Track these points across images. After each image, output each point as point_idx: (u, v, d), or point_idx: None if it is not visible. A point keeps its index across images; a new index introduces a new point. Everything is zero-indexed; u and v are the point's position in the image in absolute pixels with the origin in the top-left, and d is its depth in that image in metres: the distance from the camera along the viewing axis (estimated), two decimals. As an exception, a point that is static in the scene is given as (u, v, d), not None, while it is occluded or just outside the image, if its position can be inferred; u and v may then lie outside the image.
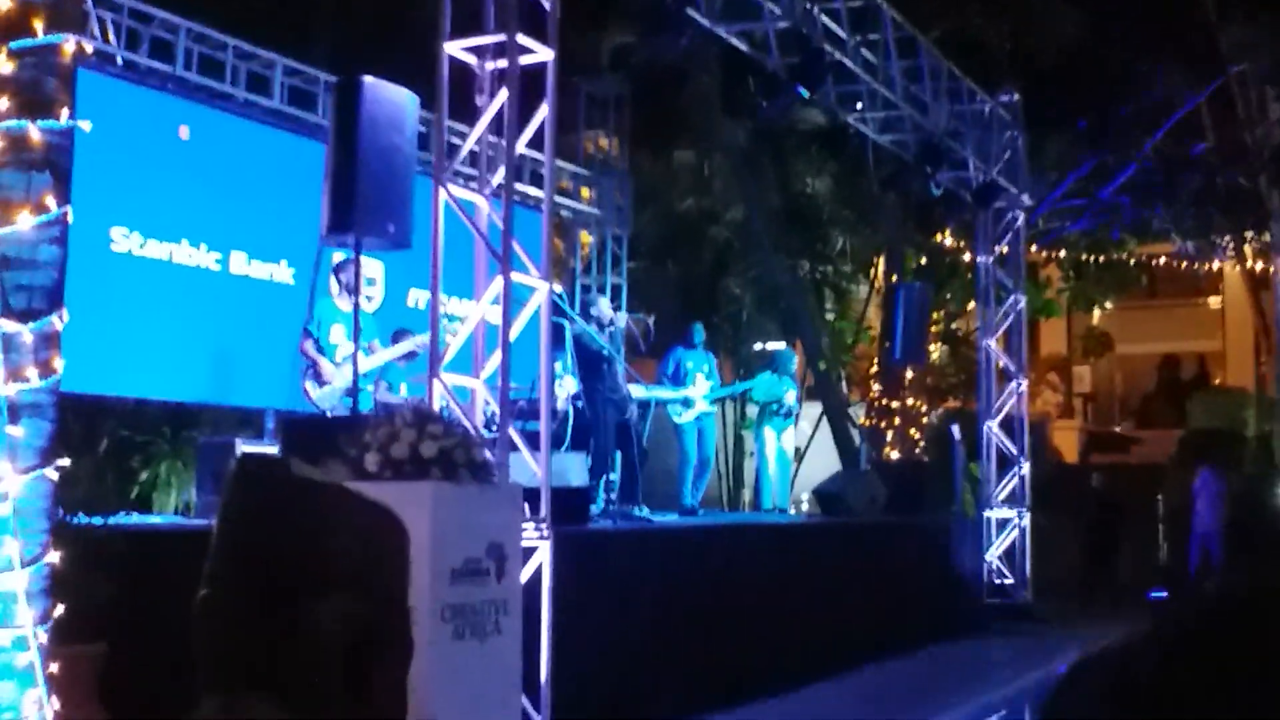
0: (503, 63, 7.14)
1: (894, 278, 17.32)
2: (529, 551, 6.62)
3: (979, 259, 15.17)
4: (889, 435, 16.46)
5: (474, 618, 5.70)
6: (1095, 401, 30.84)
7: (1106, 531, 16.88)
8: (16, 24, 4.97)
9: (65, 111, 5.07)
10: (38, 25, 4.99)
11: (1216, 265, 23.95)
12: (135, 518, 8.88)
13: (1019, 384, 14.86)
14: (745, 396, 18.25)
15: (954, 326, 20.77)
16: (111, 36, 9.49)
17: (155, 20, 9.80)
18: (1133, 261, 23.00)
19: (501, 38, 7.12)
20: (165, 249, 10.19)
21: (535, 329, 7.29)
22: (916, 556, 12.71)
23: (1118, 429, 29.08)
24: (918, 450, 16.53)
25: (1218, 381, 28.28)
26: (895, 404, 16.66)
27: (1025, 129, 15.11)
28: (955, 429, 15.05)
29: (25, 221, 4.95)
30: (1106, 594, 16.00)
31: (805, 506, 16.17)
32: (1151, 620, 0.95)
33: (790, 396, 13.50)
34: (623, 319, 11.62)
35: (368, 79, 7.48)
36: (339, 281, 9.52)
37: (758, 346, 19.32)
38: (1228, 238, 21.26)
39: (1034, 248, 19.80)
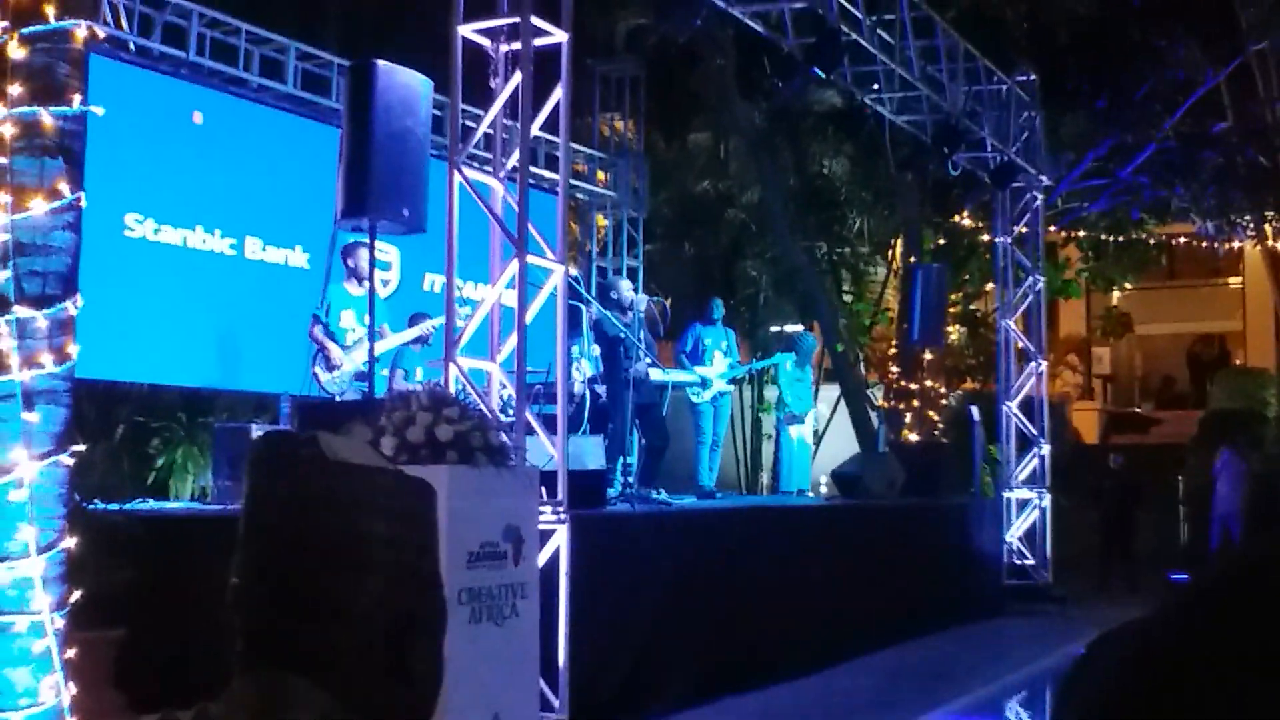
0: (517, 45, 7.11)
1: (912, 259, 17.22)
2: (546, 535, 6.61)
3: (997, 240, 15.09)
4: (907, 417, 16.38)
5: (491, 601, 5.69)
6: (1115, 382, 30.71)
7: (1126, 512, 16.79)
8: (29, 10, 4.95)
9: (78, 97, 5.06)
10: (49, 11, 4.97)
11: (1237, 245, 23.76)
12: (151, 503, 8.89)
13: (1038, 365, 14.79)
14: (764, 378, 18.25)
15: (972, 307, 20.68)
16: (124, 22, 9.47)
17: (168, 5, 9.78)
18: (1152, 241, 22.86)
19: (515, 20, 7.09)
20: (179, 234, 10.19)
21: (552, 312, 7.27)
22: (935, 538, 12.68)
23: (1137, 409, 28.96)
24: (936, 432, 16.44)
25: (1238, 362, 28.11)
26: (914, 386, 16.57)
27: (1043, 108, 15.00)
28: (974, 410, 14.97)
29: (39, 207, 4.94)
30: (1126, 575, 15.95)
31: (824, 489, 16.13)
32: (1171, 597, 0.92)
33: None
34: (643, 301, 11.62)
35: (381, 63, 7.45)
36: (346, 267, 9.53)
37: (775, 328, 19.27)
38: (1248, 217, 21.07)
39: (1053, 228, 19.69)
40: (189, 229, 10.24)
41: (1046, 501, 14.61)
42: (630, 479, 10.14)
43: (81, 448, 5.11)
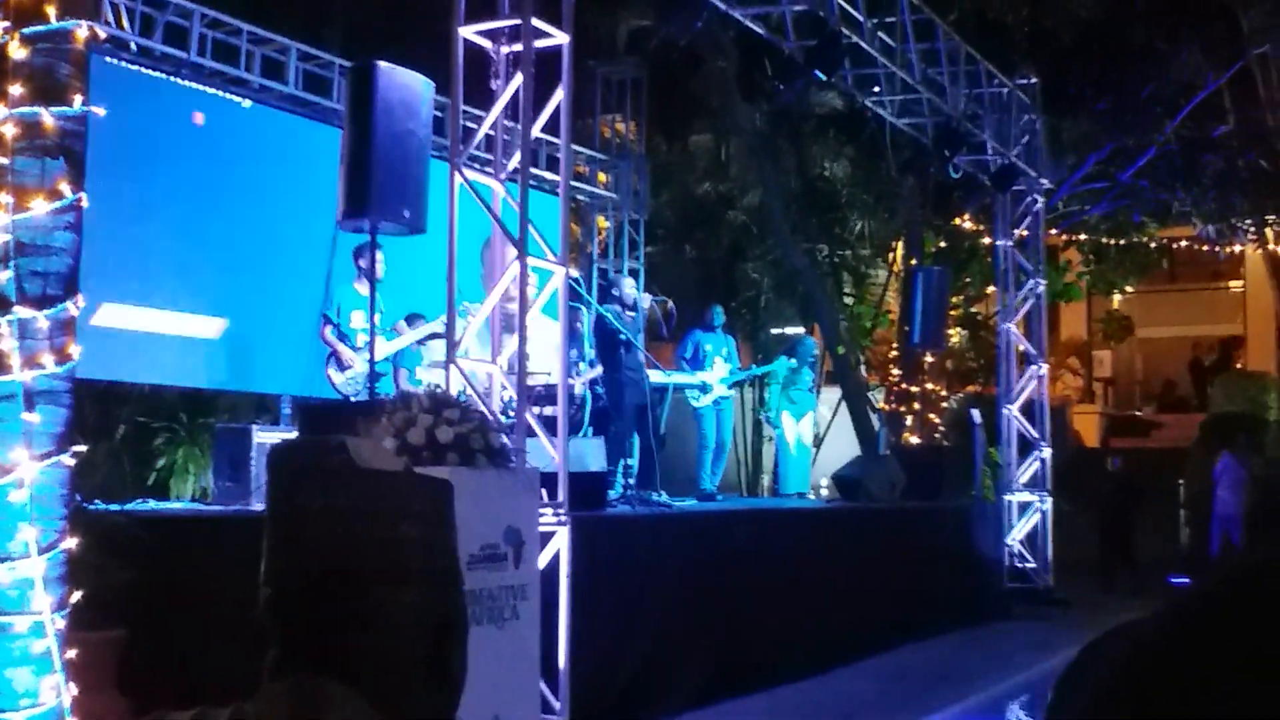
0: (518, 46, 7.11)
1: (913, 261, 17.21)
2: (547, 537, 6.61)
3: (998, 242, 15.09)
4: (908, 420, 16.38)
5: (491, 603, 5.68)
6: (1115, 386, 30.67)
7: (1126, 516, 16.78)
8: (30, 10, 4.95)
9: (79, 98, 5.05)
10: (50, 11, 4.96)
11: (1238, 248, 23.74)
12: (152, 504, 8.88)
13: (1039, 368, 14.79)
14: (764, 381, 18.23)
15: (973, 310, 20.67)
16: (125, 22, 9.46)
17: (169, 6, 9.77)
18: (1153, 245, 22.83)
19: (516, 21, 7.09)
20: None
21: (553, 314, 7.26)
22: (936, 541, 12.66)
23: (1138, 413, 28.93)
24: (937, 435, 16.45)
25: (1239, 365, 28.08)
26: (914, 388, 16.58)
27: (1044, 111, 14.99)
28: (975, 413, 14.97)
29: (40, 208, 4.94)
30: (1127, 578, 15.94)
31: (824, 492, 16.12)
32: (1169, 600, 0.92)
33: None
34: (646, 301, 11.61)
35: (382, 64, 7.46)
36: (358, 267, 9.48)
37: (776, 331, 19.26)
38: (1249, 221, 21.06)
39: (1054, 231, 19.67)
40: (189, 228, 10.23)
41: (1048, 505, 14.60)
42: (631, 481, 10.14)
43: (82, 448, 5.10)
